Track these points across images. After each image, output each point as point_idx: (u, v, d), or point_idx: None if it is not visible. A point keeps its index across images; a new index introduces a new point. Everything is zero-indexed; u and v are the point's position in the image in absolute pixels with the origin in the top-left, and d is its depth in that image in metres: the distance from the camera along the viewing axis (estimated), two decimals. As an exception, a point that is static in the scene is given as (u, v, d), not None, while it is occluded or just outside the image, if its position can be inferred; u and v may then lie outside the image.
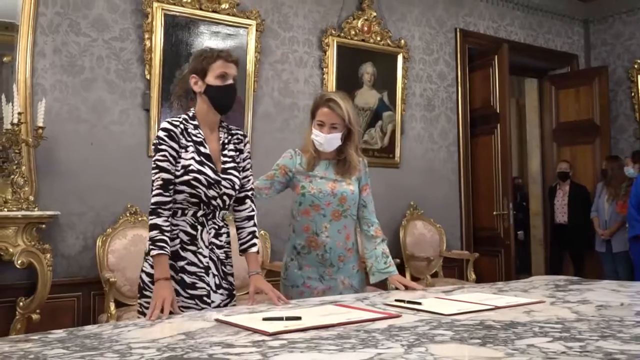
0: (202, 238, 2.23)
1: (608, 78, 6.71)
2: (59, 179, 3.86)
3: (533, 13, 6.65)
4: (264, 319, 1.69)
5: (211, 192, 2.22)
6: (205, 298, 2.22)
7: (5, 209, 3.48)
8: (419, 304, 1.96)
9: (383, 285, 2.72)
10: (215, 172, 2.24)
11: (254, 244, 2.37)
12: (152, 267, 2.18)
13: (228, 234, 2.35)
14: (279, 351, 1.36)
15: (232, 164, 2.31)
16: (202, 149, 2.24)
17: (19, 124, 3.50)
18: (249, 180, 2.41)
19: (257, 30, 4.62)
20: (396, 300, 2.05)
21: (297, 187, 2.64)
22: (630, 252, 5.56)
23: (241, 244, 2.39)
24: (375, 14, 5.32)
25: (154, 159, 2.20)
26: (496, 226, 5.99)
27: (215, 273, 2.27)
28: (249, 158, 2.42)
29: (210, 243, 2.26)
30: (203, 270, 2.23)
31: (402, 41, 5.50)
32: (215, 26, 4.46)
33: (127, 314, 3.54)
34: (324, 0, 5.13)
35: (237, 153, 2.36)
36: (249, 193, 2.41)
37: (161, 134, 2.20)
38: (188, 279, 2.20)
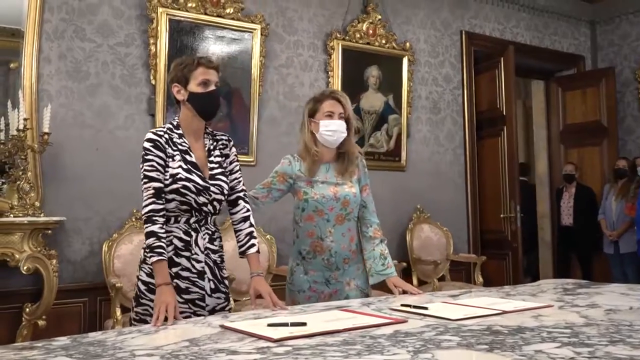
0: (197, 244, 2.25)
1: (615, 79, 6.66)
2: (65, 185, 3.86)
3: (539, 14, 6.62)
4: (269, 325, 1.68)
5: (201, 199, 2.24)
6: (198, 301, 2.23)
7: (12, 215, 3.48)
8: (425, 308, 1.95)
9: (385, 286, 2.69)
10: (203, 179, 2.25)
11: (253, 245, 2.38)
12: (148, 275, 2.20)
13: (221, 238, 2.38)
14: (283, 358, 1.34)
15: (219, 170, 2.34)
16: (188, 157, 2.26)
17: (24, 130, 3.50)
18: (239, 182, 2.43)
19: (261, 35, 4.62)
20: (402, 305, 2.04)
21: (299, 192, 2.63)
22: (639, 254, 5.52)
23: (240, 247, 2.39)
24: (380, 17, 5.31)
25: (142, 169, 2.21)
26: (503, 229, 5.96)
27: (211, 277, 2.28)
28: (237, 161, 2.45)
29: (206, 248, 2.28)
30: (196, 275, 2.24)
31: (408, 44, 5.49)
32: (220, 31, 4.47)
33: (133, 320, 3.54)
34: (329, 4, 5.12)
35: (224, 158, 2.39)
36: (241, 194, 2.43)
37: (147, 144, 2.22)
38: (182, 284, 2.22)
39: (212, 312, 2.27)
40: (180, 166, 2.22)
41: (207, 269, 2.27)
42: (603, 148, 6.63)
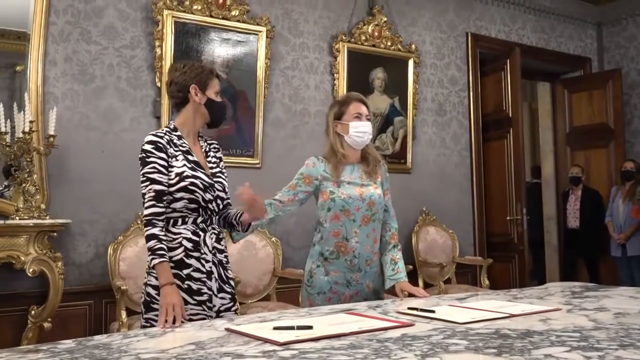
0: (206, 243, 2.26)
1: (622, 81, 6.63)
2: (70, 187, 3.87)
3: (545, 16, 6.59)
4: (275, 329, 1.67)
5: (207, 196, 2.27)
6: (208, 302, 2.24)
7: (17, 218, 3.48)
8: (432, 312, 1.93)
9: (395, 291, 2.70)
10: (207, 176, 2.30)
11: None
12: (157, 279, 2.18)
13: (225, 238, 2.41)
14: (289, 362, 1.33)
15: (218, 168, 2.40)
16: (190, 157, 2.30)
17: (30, 133, 3.51)
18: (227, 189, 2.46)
19: (267, 37, 4.61)
20: (409, 308, 2.02)
21: (325, 193, 2.64)
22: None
23: (234, 216, 2.39)
24: (385, 19, 5.31)
25: (142, 172, 2.21)
26: (509, 231, 5.93)
27: (217, 277, 2.29)
28: (224, 168, 2.49)
29: (214, 248, 2.30)
30: (206, 275, 2.25)
31: (413, 46, 5.48)
32: (226, 33, 4.46)
33: (138, 322, 3.51)
34: (334, 6, 5.12)
35: (218, 160, 2.45)
36: (229, 201, 2.45)
37: (147, 146, 2.23)
38: (194, 286, 2.22)
39: (218, 312, 2.27)
40: (184, 165, 2.25)
41: (214, 269, 2.27)
42: (610, 150, 6.61)
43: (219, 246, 2.32)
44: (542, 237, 7.17)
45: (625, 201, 5.98)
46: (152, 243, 2.14)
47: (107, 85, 4.06)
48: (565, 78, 7.09)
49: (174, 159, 2.24)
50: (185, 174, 2.22)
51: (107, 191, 3.97)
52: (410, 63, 5.45)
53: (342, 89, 4.98)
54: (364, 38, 5.17)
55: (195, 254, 2.23)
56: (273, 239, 4.50)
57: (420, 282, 5.12)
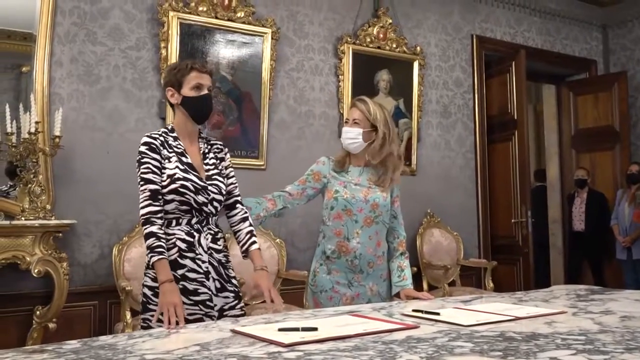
0: (200, 244, 2.26)
1: (627, 83, 6.61)
2: (76, 188, 3.88)
3: (550, 19, 6.58)
4: (280, 330, 1.66)
5: (200, 198, 2.26)
6: (207, 302, 2.24)
7: (23, 218, 3.49)
8: (437, 314, 1.93)
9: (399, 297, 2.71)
10: (200, 179, 2.29)
11: (254, 242, 2.40)
12: (153, 280, 2.21)
13: (225, 238, 2.40)
14: (294, 363, 1.33)
15: (215, 171, 2.37)
16: (184, 159, 2.29)
17: (36, 133, 3.52)
18: (235, 187, 2.46)
19: (272, 39, 4.62)
20: (414, 311, 2.02)
21: (330, 192, 2.66)
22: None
23: (242, 246, 2.40)
24: (390, 21, 5.30)
25: (138, 173, 2.23)
26: (514, 234, 5.92)
27: (216, 277, 2.29)
28: (231, 167, 2.48)
29: (209, 248, 2.29)
30: (203, 276, 2.25)
31: (418, 48, 5.47)
32: (231, 34, 4.47)
33: (142, 323, 3.54)
34: (340, 8, 5.12)
35: (219, 161, 2.42)
36: (238, 198, 2.46)
37: (142, 148, 2.25)
38: (190, 286, 2.22)
39: (221, 311, 2.27)
40: (177, 167, 2.25)
41: (211, 269, 2.28)
42: (615, 153, 6.58)
43: (215, 246, 2.31)
44: (546, 240, 7.14)
45: (631, 204, 5.96)
46: (150, 241, 2.15)
47: (113, 86, 4.07)
48: (571, 80, 7.07)
49: (167, 160, 2.25)
50: (176, 176, 2.23)
51: (112, 192, 3.98)
52: (415, 65, 5.45)
53: (347, 90, 4.98)
54: (369, 40, 5.17)
55: (190, 255, 2.23)
56: (277, 240, 4.50)
57: (425, 285, 5.12)
